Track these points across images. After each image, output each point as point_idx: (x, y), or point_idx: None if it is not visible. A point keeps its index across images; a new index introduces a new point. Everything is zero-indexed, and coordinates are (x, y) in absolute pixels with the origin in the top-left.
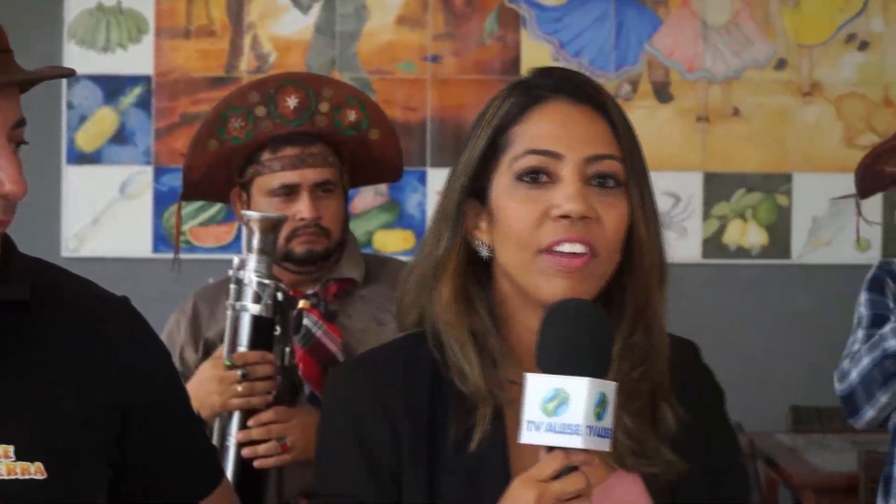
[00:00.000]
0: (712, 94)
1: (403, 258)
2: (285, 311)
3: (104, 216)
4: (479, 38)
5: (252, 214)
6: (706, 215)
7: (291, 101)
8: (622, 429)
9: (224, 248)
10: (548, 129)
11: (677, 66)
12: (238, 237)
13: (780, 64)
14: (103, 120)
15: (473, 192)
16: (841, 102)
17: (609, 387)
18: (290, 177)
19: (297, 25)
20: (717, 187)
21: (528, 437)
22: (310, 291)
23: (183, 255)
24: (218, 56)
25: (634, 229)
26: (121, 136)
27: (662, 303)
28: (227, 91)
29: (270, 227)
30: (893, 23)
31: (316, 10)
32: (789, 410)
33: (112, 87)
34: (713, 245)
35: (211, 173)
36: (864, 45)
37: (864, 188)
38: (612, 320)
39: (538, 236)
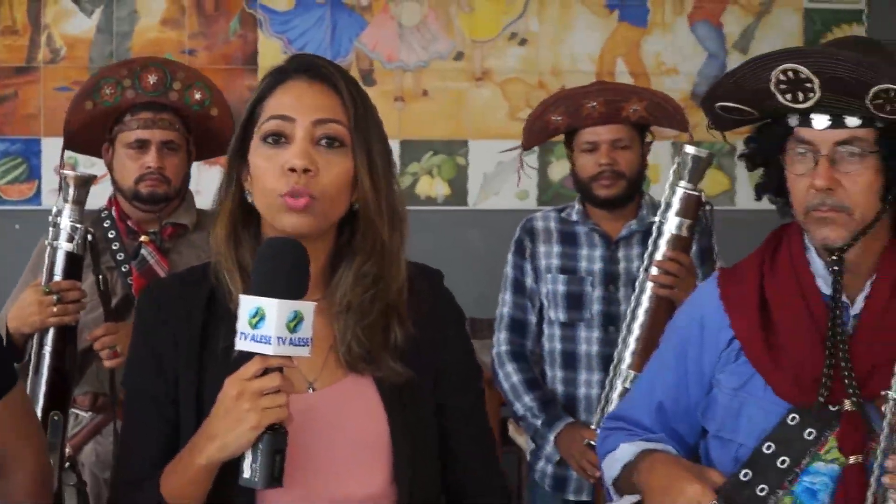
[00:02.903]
0: (406, 79)
1: None
2: (95, 248)
3: None
4: (226, 36)
5: (68, 173)
6: (402, 172)
7: (152, 78)
8: (356, 340)
9: (27, 202)
10: (286, 100)
11: (379, 58)
12: (38, 193)
13: (459, 56)
14: None
15: (241, 154)
16: (505, 86)
17: (305, 306)
18: (143, 134)
19: (82, 26)
20: (410, 151)
21: (238, 344)
22: (151, 230)
23: None
24: (20, 50)
25: (360, 182)
26: None
27: (398, 240)
28: (28, 77)
29: (82, 183)
30: (546, 24)
31: (97, 14)
32: (468, 322)
33: None
34: (408, 195)
35: (86, 129)
36: (523, 42)
37: (530, 138)
38: (350, 254)
39: (278, 185)
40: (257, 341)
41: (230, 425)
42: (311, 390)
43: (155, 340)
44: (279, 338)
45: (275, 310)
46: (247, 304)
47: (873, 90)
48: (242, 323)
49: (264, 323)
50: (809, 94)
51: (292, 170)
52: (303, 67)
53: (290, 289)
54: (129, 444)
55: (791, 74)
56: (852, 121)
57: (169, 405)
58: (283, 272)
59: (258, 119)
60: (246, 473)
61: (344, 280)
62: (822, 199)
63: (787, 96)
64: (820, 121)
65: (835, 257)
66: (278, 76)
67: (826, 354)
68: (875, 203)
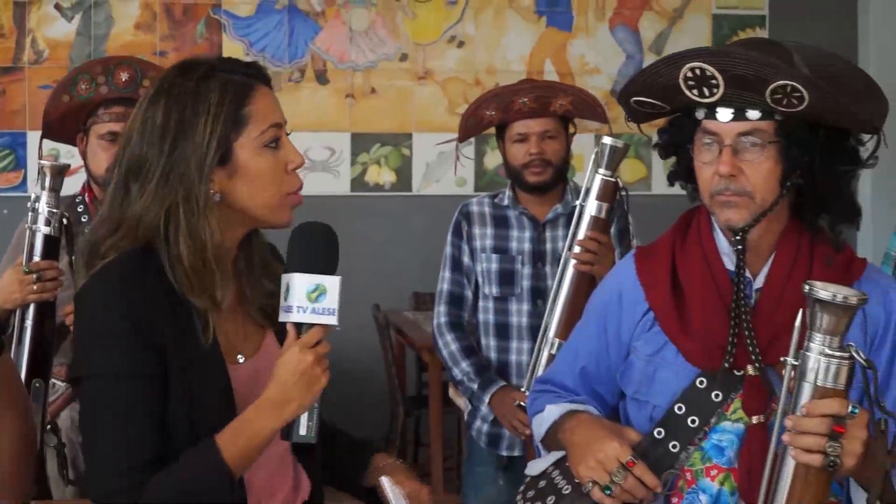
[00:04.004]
0: (356, 78)
1: None
2: (70, 231)
3: None
4: (193, 39)
5: (44, 163)
6: (353, 162)
7: (124, 75)
8: (265, 297)
9: (14, 189)
10: (272, 108)
11: (332, 59)
12: (24, 181)
13: (404, 57)
14: None
15: (222, 159)
16: (445, 84)
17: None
18: (115, 126)
19: (63, 30)
20: (360, 143)
21: (295, 317)
22: None
23: None
24: (6, 51)
25: None
26: None
27: None
28: (14, 77)
29: (58, 172)
30: (481, 29)
31: (77, 19)
32: (412, 295)
33: None
34: (358, 183)
35: (62, 120)
36: (461, 44)
37: (466, 132)
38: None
39: (284, 185)
40: (320, 314)
41: (307, 388)
42: (240, 359)
43: (140, 322)
44: (337, 309)
45: (336, 286)
46: (304, 281)
47: (771, 86)
48: (299, 298)
49: (326, 297)
50: (714, 90)
51: (295, 168)
52: (261, 76)
53: (336, 266)
54: (131, 427)
55: (697, 72)
56: (753, 114)
57: (159, 380)
58: (332, 252)
59: (246, 126)
60: (303, 431)
61: (259, 246)
62: (726, 184)
63: (694, 92)
64: (724, 114)
65: (737, 237)
66: (247, 84)
67: (731, 325)
68: (775, 188)
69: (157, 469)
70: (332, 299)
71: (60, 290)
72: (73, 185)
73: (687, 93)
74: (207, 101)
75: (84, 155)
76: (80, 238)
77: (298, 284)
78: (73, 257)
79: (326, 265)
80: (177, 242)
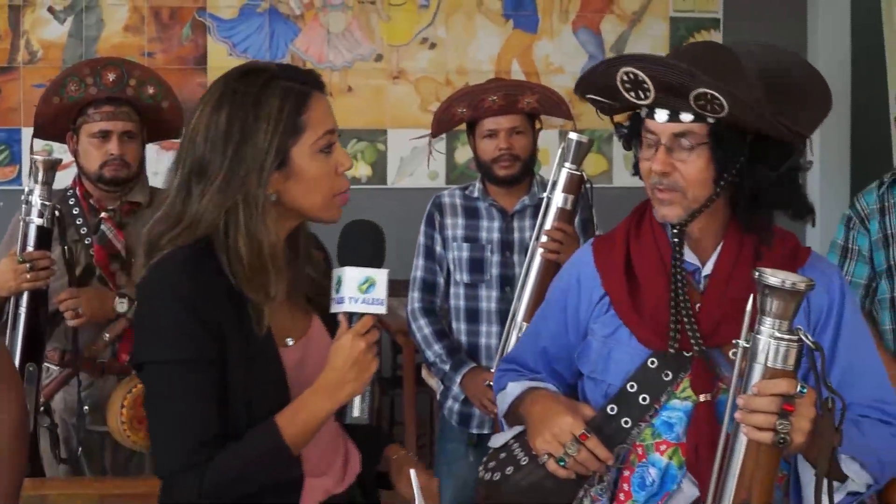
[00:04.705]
0: (334, 77)
1: None
2: (63, 223)
3: None
4: (179, 40)
5: (37, 158)
6: None
7: (111, 76)
8: (309, 281)
9: (9, 182)
10: (327, 115)
11: (311, 59)
12: (19, 175)
13: (379, 58)
14: None
15: (280, 163)
16: (418, 83)
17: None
18: (105, 125)
19: (56, 32)
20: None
21: (348, 307)
22: (110, 207)
23: None
24: (2, 52)
25: None
26: None
27: None
28: (9, 76)
29: (50, 167)
30: (452, 31)
31: (69, 21)
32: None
33: None
34: None
35: (54, 120)
36: (432, 46)
37: (438, 128)
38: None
39: (335, 186)
40: (370, 304)
41: (360, 373)
42: (289, 342)
43: (201, 311)
44: (385, 299)
45: (384, 278)
46: (355, 274)
47: (693, 93)
48: (351, 290)
49: (375, 289)
50: (648, 94)
51: (344, 171)
52: (316, 83)
53: (383, 260)
54: (196, 409)
55: (632, 76)
56: (686, 116)
57: (220, 365)
58: (380, 248)
59: (304, 132)
60: (356, 412)
61: (304, 236)
62: (660, 179)
63: (631, 94)
64: (661, 115)
65: (675, 230)
66: (303, 92)
67: (671, 312)
68: (707, 186)
69: (219, 448)
70: (380, 290)
71: (53, 279)
72: (64, 178)
73: (625, 94)
74: (268, 109)
75: (75, 153)
76: (72, 230)
77: (350, 277)
78: (66, 248)
79: (375, 259)
80: (236, 241)
